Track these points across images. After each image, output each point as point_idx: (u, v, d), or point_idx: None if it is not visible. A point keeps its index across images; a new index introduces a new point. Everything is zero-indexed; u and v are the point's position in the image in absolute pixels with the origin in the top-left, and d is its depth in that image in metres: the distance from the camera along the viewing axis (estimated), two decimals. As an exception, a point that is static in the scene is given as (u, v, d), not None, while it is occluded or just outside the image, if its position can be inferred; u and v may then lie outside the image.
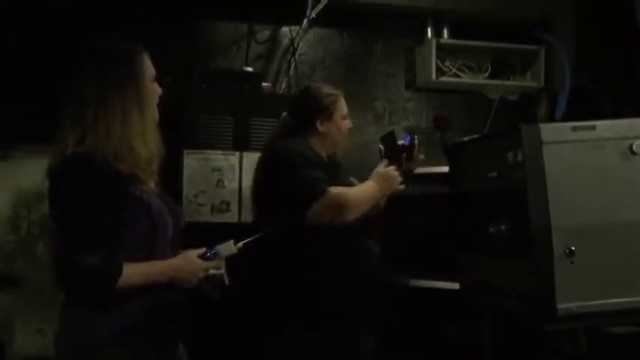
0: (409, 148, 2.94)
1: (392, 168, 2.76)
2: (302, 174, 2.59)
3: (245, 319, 3.19)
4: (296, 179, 2.58)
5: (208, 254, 2.10)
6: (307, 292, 2.64)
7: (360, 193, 2.67)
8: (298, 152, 2.67)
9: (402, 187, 2.77)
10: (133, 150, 1.98)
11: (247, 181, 3.61)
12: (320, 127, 2.79)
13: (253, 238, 2.23)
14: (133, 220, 1.97)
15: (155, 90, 2.14)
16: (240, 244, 2.17)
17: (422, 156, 3.00)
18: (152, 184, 2.07)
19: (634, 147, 2.15)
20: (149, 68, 2.12)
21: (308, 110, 2.82)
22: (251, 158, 3.60)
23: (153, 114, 2.11)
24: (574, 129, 2.14)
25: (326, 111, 2.80)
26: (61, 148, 1.96)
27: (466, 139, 2.63)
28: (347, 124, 2.86)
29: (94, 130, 1.97)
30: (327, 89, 2.90)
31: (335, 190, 2.56)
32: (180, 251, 2.12)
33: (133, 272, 1.94)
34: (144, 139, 2.02)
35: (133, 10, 3.96)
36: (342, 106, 2.85)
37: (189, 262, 2.07)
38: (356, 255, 2.72)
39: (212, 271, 2.11)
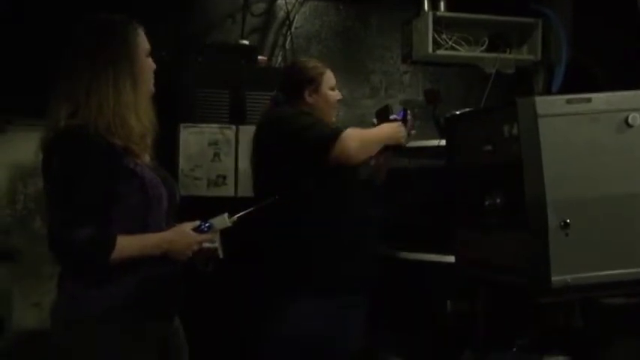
0: (402, 123, 2.95)
1: (399, 123, 2.86)
2: (310, 123, 2.68)
3: (241, 292, 3.21)
4: (308, 130, 2.66)
5: (202, 227, 2.11)
6: (305, 260, 2.68)
7: (370, 132, 2.82)
8: (297, 112, 2.74)
9: (404, 140, 2.89)
10: (126, 124, 1.98)
11: (243, 154, 3.61)
12: (308, 99, 2.87)
13: (247, 211, 2.24)
14: (126, 194, 1.97)
15: (149, 64, 2.14)
16: (235, 217, 2.18)
17: (414, 131, 3.02)
18: (146, 158, 2.08)
19: (629, 119, 2.15)
20: (143, 42, 2.12)
21: (296, 83, 2.90)
22: (247, 132, 3.61)
23: (147, 88, 2.11)
24: (569, 102, 2.13)
25: (313, 82, 2.88)
26: (54, 122, 1.96)
27: (461, 112, 2.63)
28: (335, 94, 2.93)
29: (86, 103, 1.97)
30: (313, 62, 2.98)
31: (348, 128, 2.69)
32: (175, 224, 2.12)
33: (127, 245, 1.94)
34: (137, 113, 2.01)
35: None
36: (329, 78, 2.92)
37: (183, 235, 2.07)
38: (352, 225, 2.76)
39: (206, 244, 2.12)
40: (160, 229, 2.04)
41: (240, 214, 2.21)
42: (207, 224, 2.12)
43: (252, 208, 2.26)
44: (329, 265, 2.70)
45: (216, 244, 2.14)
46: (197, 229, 2.10)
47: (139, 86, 2.05)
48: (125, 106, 1.99)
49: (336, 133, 2.66)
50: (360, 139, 2.71)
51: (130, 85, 2.02)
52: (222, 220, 2.15)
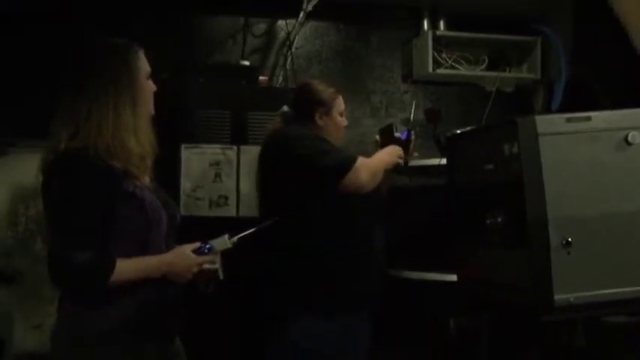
0: (405, 143, 2.97)
1: (393, 145, 2.93)
2: (325, 150, 2.69)
3: (243, 312, 3.20)
4: (322, 155, 2.66)
5: (202, 249, 2.10)
6: (305, 281, 2.67)
7: (378, 161, 2.83)
8: (312, 135, 2.74)
9: (402, 157, 2.93)
10: (125, 146, 1.98)
11: (245, 175, 3.62)
12: (319, 121, 2.88)
13: (248, 232, 2.23)
14: (126, 216, 1.97)
15: (150, 87, 2.14)
16: (235, 238, 2.17)
17: (416, 153, 3.04)
18: (146, 180, 2.08)
19: (629, 138, 2.14)
20: (144, 65, 2.12)
21: (309, 103, 2.91)
22: (249, 152, 3.61)
23: (147, 111, 2.11)
24: (569, 120, 2.13)
25: (325, 105, 2.89)
26: (54, 144, 1.96)
27: (461, 130, 2.63)
28: (343, 121, 2.94)
29: (86, 125, 1.97)
30: (327, 85, 2.99)
31: (359, 159, 2.72)
32: (175, 246, 2.12)
33: (126, 268, 1.94)
34: (136, 135, 2.02)
35: (129, 5, 3.95)
36: (340, 103, 2.95)
37: (183, 257, 2.07)
38: (357, 244, 2.76)
39: (206, 266, 2.11)
40: (159, 251, 2.04)
41: (241, 235, 2.20)
42: (207, 246, 2.11)
43: (253, 229, 2.26)
44: (333, 285, 2.70)
45: (217, 266, 2.14)
46: (197, 251, 2.10)
47: (138, 108, 2.05)
48: (125, 128, 2.00)
49: (349, 163, 2.67)
50: (371, 170, 2.73)
51: (129, 107, 2.02)
52: (223, 242, 2.14)
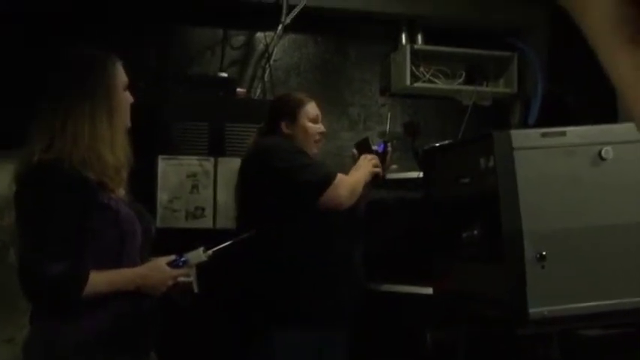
0: (382, 156, 2.97)
1: (374, 156, 2.92)
2: (305, 164, 2.68)
3: (220, 326, 3.18)
4: (301, 170, 2.64)
5: (177, 262, 2.09)
6: (285, 294, 2.66)
7: (357, 177, 2.81)
8: (287, 145, 2.74)
9: (379, 169, 2.91)
10: (101, 158, 1.97)
11: (222, 186, 3.61)
12: (286, 130, 2.86)
13: (224, 245, 2.22)
14: (100, 228, 1.96)
15: (127, 98, 2.13)
16: (210, 251, 2.16)
17: (395, 166, 3.04)
18: (121, 192, 2.07)
19: (602, 153, 2.17)
20: (121, 76, 2.11)
21: (273, 114, 2.90)
22: (226, 164, 3.61)
23: (123, 122, 2.10)
24: (544, 135, 2.16)
25: (289, 114, 2.86)
26: (29, 155, 1.95)
27: (438, 144, 2.65)
28: (316, 127, 2.90)
29: (61, 136, 1.96)
30: (295, 94, 3.00)
31: (338, 175, 2.71)
32: (151, 259, 2.11)
33: (100, 280, 1.92)
34: (112, 147, 2.01)
35: (107, 15, 3.94)
36: (310, 109, 2.90)
37: (158, 269, 2.05)
38: (336, 257, 2.76)
39: (181, 279, 2.10)
40: (134, 264, 2.03)
41: (217, 248, 2.19)
42: (182, 259, 2.10)
43: (229, 242, 2.25)
44: (311, 300, 2.69)
45: (192, 279, 2.13)
46: (172, 264, 2.08)
47: (115, 120, 2.04)
48: (101, 140, 1.99)
49: (328, 180, 2.66)
50: (350, 187, 2.72)
51: (106, 119, 2.01)
52: (198, 255, 2.13)
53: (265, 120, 2.96)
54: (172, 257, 2.10)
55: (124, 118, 2.11)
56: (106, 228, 1.96)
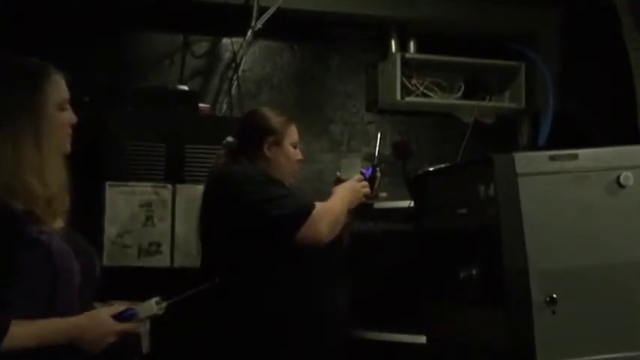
0: (370, 181, 2.97)
1: (354, 180, 2.91)
2: (276, 193, 2.67)
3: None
4: (273, 200, 2.63)
5: (125, 314, 2.03)
6: (257, 351, 2.65)
7: (337, 207, 2.80)
8: (257, 173, 2.73)
9: (367, 195, 2.93)
10: (27, 187, 1.93)
11: (181, 217, 3.59)
12: (267, 152, 2.85)
13: (182, 296, 2.16)
14: (28, 266, 1.91)
15: (63, 118, 2.08)
16: (165, 304, 2.10)
17: (384, 194, 3.04)
18: (58, 224, 2.03)
19: (621, 179, 2.17)
20: (57, 92, 2.06)
21: (256, 132, 2.89)
22: (186, 191, 3.60)
23: (56, 146, 2.05)
24: (553, 158, 2.16)
25: (275, 133, 2.86)
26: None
27: (432, 169, 2.65)
28: (296, 153, 2.91)
29: (-19, 161, 1.93)
30: (278, 112, 2.97)
31: (319, 203, 2.70)
32: (96, 305, 2.08)
33: (24, 332, 1.88)
34: (41, 175, 1.96)
35: (46, 18, 3.92)
36: (294, 133, 2.91)
37: (99, 322, 2.00)
38: (316, 304, 2.75)
39: (138, 331, 2.07)
40: (70, 310, 1.98)
41: (173, 300, 2.12)
42: (131, 311, 2.04)
43: (188, 293, 2.18)
44: (287, 354, 2.67)
45: (141, 335, 2.08)
46: (118, 316, 2.03)
47: (43, 144, 1.99)
48: (26, 166, 1.95)
49: (305, 212, 2.65)
50: (331, 219, 2.71)
51: (32, 141, 1.97)
52: (149, 307, 2.06)
53: (240, 135, 2.93)
54: (119, 308, 2.05)
55: (58, 141, 2.06)
56: (34, 266, 1.92)
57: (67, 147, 2.09)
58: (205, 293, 2.26)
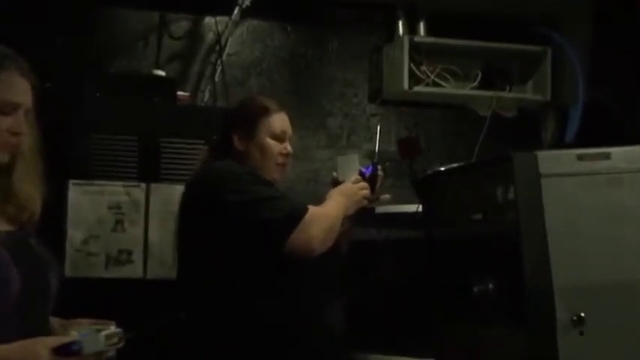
0: (370, 182, 2.96)
1: (351, 183, 2.86)
2: (263, 194, 2.65)
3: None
4: (259, 203, 2.62)
5: (70, 348, 1.98)
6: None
7: (332, 209, 2.76)
8: (242, 171, 2.72)
9: (367, 197, 2.85)
10: None
11: (156, 221, 3.59)
12: (238, 145, 2.83)
13: (139, 331, 2.11)
14: None
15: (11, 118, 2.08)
16: (117, 339, 2.03)
17: (387, 196, 3.03)
18: (1, 226, 2.03)
19: (660, 181, 2.19)
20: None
21: (226, 124, 2.89)
22: (161, 192, 3.60)
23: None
24: (581, 158, 2.17)
25: (245, 125, 2.84)
26: None
27: (443, 169, 2.66)
28: (280, 147, 2.87)
29: None
30: (260, 100, 2.96)
31: (312, 207, 2.66)
32: (55, 321, 2.06)
33: None
34: None
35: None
36: (275, 122, 2.87)
37: (33, 354, 1.96)
38: (308, 324, 2.74)
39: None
40: (8, 330, 1.96)
41: (129, 335, 2.06)
42: (77, 346, 1.97)
43: (149, 326, 2.14)
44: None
45: None
46: (59, 350, 1.97)
47: None
48: None
49: (297, 216, 2.62)
50: (326, 225, 2.68)
51: None
52: (95, 341, 2.01)
53: (219, 131, 2.94)
54: (65, 339, 1.99)
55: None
56: None
57: (3, 156, 2.07)
58: (170, 328, 2.23)
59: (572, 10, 4.61)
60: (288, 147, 2.88)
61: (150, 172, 3.68)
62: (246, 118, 2.85)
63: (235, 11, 4.13)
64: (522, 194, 2.14)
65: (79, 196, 3.58)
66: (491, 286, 2.30)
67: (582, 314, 2.12)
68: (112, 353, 1.98)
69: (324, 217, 2.70)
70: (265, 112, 2.86)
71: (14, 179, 2.06)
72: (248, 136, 2.83)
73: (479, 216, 2.35)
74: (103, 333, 1.94)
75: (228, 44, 4.28)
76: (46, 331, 2.03)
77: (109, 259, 3.60)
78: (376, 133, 3.09)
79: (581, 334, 2.12)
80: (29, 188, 2.07)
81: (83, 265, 3.55)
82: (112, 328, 1.98)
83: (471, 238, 2.40)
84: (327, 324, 2.85)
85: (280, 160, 2.85)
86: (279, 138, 2.86)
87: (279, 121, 2.88)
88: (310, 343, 2.74)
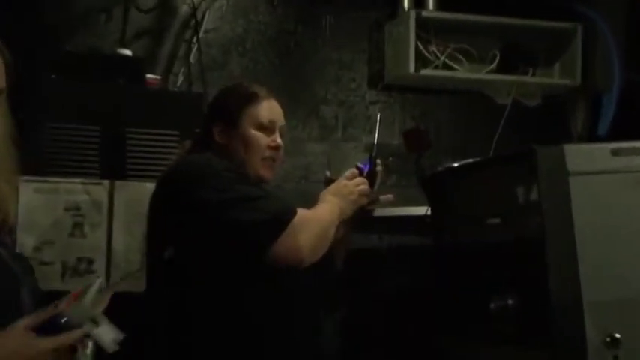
0: (368, 179, 2.97)
1: (345, 179, 2.88)
2: (244, 193, 2.65)
3: None
4: (239, 203, 2.62)
5: (53, 322, 1.99)
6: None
7: (325, 212, 2.78)
8: (222, 165, 2.72)
9: (365, 194, 2.88)
10: None
11: (121, 225, 3.60)
12: (219, 139, 2.83)
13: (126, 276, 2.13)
14: None
15: None
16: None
17: (390, 196, 3.03)
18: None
19: None
20: None
21: (207, 115, 2.92)
22: (127, 190, 3.60)
23: None
24: (616, 153, 2.17)
25: (226, 114, 2.84)
26: None
27: (455, 165, 2.66)
28: (268, 140, 2.87)
29: None
30: (245, 86, 2.96)
31: (301, 210, 2.67)
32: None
33: None
34: None
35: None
36: (261, 111, 2.87)
37: (16, 340, 1.98)
38: (297, 341, 2.76)
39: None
40: None
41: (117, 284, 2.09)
42: (63, 319, 1.99)
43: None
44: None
45: (99, 335, 2.03)
46: (41, 328, 1.99)
47: None
48: None
49: (284, 219, 2.62)
50: (315, 233, 2.68)
51: None
52: (82, 310, 2.02)
53: (201, 126, 2.95)
54: (42, 315, 1.99)
55: None
56: None
57: None
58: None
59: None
60: (277, 139, 2.87)
61: (114, 167, 3.68)
62: (227, 107, 2.86)
63: (214, -19, 4.14)
64: (547, 195, 2.14)
65: (31, 195, 3.57)
66: (510, 301, 2.30)
67: (617, 335, 2.12)
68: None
69: (315, 222, 2.70)
70: (250, 99, 2.87)
71: None
72: (230, 127, 2.83)
73: (496, 220, 2.35)
74: (96, 284, 1.95)
75: (206, 19, 4.28)
76: None
77: (66, 268, 3.60)
78: (376, 122, 3.09)
79: (616, 358, 2.12)
80: (2, 186, 2.08)
81: (36, 275, 3.55)
82: (94, 288, 1.99)
83: (488, 246, 2.40)
84: (316, 348, 2.85)
85: (268, 154, 2.84)
86: (267, 129, 2.85)
87: (267, 109, 2.87)
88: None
